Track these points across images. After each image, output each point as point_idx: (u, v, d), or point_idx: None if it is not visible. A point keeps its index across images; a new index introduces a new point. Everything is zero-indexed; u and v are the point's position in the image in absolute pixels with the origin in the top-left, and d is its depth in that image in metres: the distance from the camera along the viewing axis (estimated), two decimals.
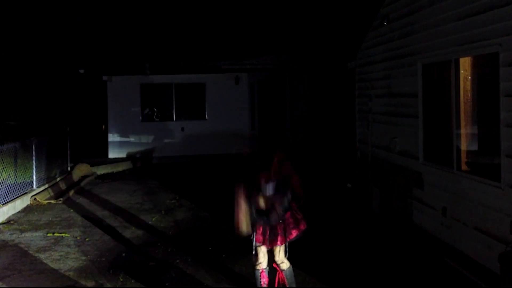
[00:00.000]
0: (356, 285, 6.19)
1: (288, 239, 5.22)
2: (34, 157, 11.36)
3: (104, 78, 17.73)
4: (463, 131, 6.74)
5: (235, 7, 19.32)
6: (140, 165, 16.72)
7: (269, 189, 5.06)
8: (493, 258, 5.82)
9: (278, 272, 5.42)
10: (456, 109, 6.74)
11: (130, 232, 8.54)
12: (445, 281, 6.17)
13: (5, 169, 10.23)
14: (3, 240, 8.07)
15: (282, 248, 5.30)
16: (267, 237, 5.22)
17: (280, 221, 5.11)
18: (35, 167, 11.37)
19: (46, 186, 11.81)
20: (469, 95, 6.66)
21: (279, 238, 5.17)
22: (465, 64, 6.67)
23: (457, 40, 6.54)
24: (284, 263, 5.39)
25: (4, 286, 6.19)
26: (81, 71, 17.52)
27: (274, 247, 5.29)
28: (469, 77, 6.67)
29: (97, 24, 21.57)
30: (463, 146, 6.77)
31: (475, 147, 6.75)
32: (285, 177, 5.15)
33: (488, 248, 5.97)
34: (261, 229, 5.26)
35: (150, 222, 9.19)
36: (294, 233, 5.22)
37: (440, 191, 7.14)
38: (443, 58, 6.96)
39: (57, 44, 21.19)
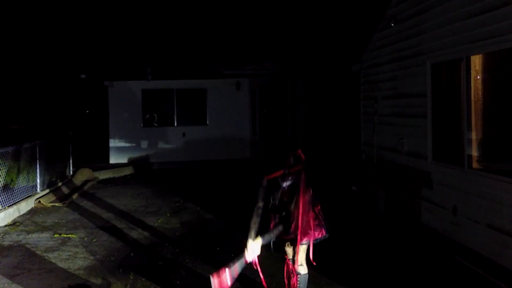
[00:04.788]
0: (368, 282, 6.16)
1: (320, 235, 4.96)
2: (38, 161, 11.32)
3: (106, 83, 17.70)
4: (473, 129, 6.74)
5: (236, 12, 19.37)
6: (141, 170, 16.66)
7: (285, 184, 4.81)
8: (507, 255, 5.82)
9: (291, 275, 5.09)
10: (467, 107, 6.73)
11: (137, 234, 8.49)
12: (457, 278, 6.15)
13: (9, 172, 10.18)
14: (11, 241, 8.01)
15: (306, 247, 4.98)
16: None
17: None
18: (39, 170, 11.32)
19: (50, 189, 11.76)
20: (480, 93, 6.66)
21: (312, 232, 4.89)
22: (476, 62, 6.68)
23: (469, 38, 6.54)
24: (302, 267, 5.02)
25: (14, 284, 6.14)
26: (83, 76, 17.54)
27: (299, 244, 4.90)
28: (481, 75, 6.67)
29: (98, 29, 21.58)
30: (474, 145, 6.77)
31: (486, 145, 6.74)
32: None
33: (502, 245, 5.95)
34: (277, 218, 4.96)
35: (156, 224, 9.14)
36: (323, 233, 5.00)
37: (450, 190, 7.12)
38: (453, 56, 6.97)
39: (58, 49, 21.18)
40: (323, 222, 5.05)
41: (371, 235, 8.26)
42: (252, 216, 4.75)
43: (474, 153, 6.78)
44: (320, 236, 4.98)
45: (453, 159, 7.16)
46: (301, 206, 4.73)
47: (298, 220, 4.74)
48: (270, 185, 4.83)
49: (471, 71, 6.69)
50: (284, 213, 4.86)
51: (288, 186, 4.78)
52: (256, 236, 4.72)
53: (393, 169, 9.10)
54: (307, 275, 5.06)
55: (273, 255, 6.44)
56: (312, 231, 4.93)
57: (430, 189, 7.71)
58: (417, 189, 8.11)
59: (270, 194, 4.81)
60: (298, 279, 5.01)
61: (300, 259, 5.01)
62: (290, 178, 4.77)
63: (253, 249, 4.72)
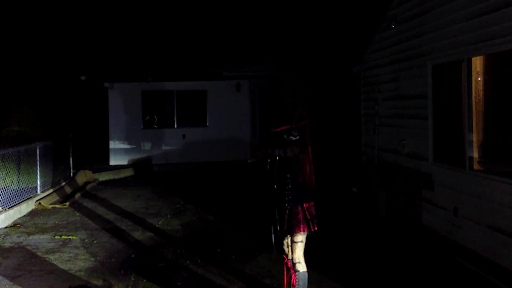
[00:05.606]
0: (369, 284, 6.16)
1: (313, 229, 4.98)
2: (38, 162, 11.31)
3: (106, 85, 17.68)
4: (474, 130, 6.74)
5: (236, 14, 19.37)
6: (141, 172, 16.66)
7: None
8: (509, 256, 5.82)
9: (290, 274, 5.04)
10: (468, 108, 6.73)
11: (138, 235, 8.49)
12: (458, 279, 6.15)
13: (9, 173, 10.18)
14: (11, 243, 8.00)
15: (302, 244, 5.00)
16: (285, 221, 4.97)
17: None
18: (39, 172, 11.32)
19: (50, 191, 11.76)
20: (481, 94, 6.67)
21: (301, 225, 4.92)
22: (477, 63, 6.68)
23: (471, 39, 6.55)
24: (300, 264, 4.98)
25: (15, 285, 6.13)
26: (83, 78, 17.49)
27: (294, 242, 5.01)
28: (482, 76, 6.68)
29: (99, 31, 21.59)
30: (475, 146, 6.76)
31: (487, 147, 6.74)
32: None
33: (504, 246, 5.95)
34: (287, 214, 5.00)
35: (156, 226, 9.14)
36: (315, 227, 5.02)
37: (451, 191, 7.12)
38: (455, 57, 6.97)
39: (58, 50, 21.18)
40: (315, 220, 5.08)
41: (372, 237, 8.26)
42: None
43: (475, 154, 6.78)
44: (313, 230, 5.03)
45: (454, 161, 7.16)
46: (310, 153, 5.07)
47: (307, 167, 5.05)
48: (275, 138, 5.08)
49: (472, 73, 6.69)
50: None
51: (294, 141, 5.01)
52: None
53: (394, 171, 9.10)
54: (306, 273, 5.00)
55: (274, 256, 6.47)
56: (311, 223, 5.02)
57: (431, 191, 7.71)
58: (418, 190, 8.11)
59: (275, 147, 5.05)
60: (297, 277, 4.95)
61: (297, 256, 5.01)
62: (296, 133, 5.00)
63: None
